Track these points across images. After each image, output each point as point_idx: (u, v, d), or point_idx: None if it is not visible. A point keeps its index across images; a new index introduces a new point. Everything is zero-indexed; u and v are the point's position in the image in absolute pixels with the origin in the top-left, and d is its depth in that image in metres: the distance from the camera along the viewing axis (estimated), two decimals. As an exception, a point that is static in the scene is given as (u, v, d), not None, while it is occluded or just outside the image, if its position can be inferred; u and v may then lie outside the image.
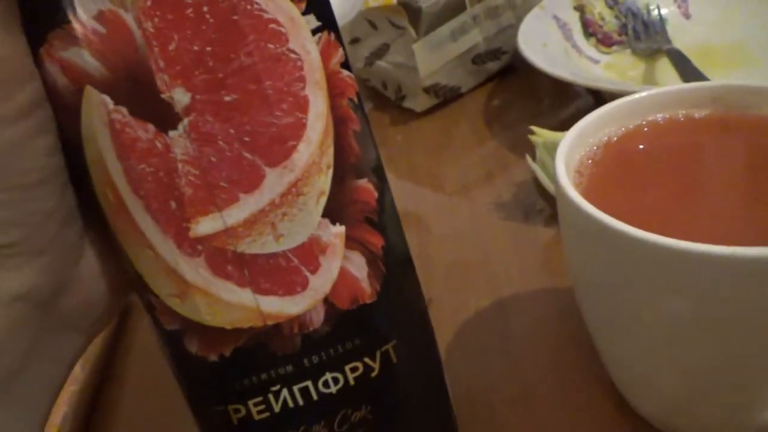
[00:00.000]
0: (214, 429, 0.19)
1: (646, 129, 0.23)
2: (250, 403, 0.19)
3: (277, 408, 0.19)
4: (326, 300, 0.18)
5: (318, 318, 0.18)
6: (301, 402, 0.19)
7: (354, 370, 0.19)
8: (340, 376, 0.19)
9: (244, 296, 0.18)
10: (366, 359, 0.19)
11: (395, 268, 0.19)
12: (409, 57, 0.44)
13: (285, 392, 0.19)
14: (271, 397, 0.19)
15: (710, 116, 0.23)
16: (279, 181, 0.17)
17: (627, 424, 0.23)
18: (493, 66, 0.48)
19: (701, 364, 0.18)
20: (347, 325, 0.19)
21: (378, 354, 0.19)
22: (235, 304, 0.18)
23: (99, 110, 0.16)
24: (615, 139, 0.23)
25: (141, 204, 0.17)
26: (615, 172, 0.21)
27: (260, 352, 0.18)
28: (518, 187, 0.38)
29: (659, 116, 0.23)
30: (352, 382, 0.19)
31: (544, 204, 0.35)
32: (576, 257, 0.20)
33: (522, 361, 0.27)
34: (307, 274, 0.18)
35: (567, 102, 0.45)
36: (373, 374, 0.19)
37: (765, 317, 0.16)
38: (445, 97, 0.47)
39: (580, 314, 0.23)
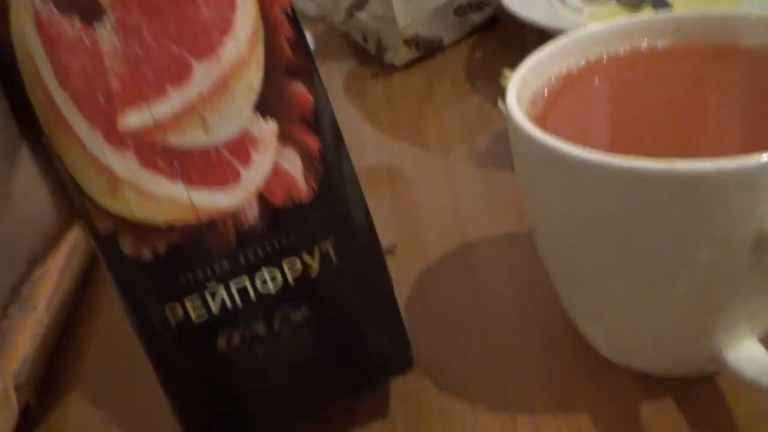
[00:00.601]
0: (153, 333, 0.19)
1: (606, 61, 0.22)
2: (187, 301, 0.19)
3: (215, 309, 0.19)
4: (260, 195, 0.18)
5: (252, 213, 0.18)
6: (239, 302, 0.19)
7: (292, 267, 0.19)
8: (277, 273, 0.19)
9: (176, 190, 0.18)
10: (304, 256, 0.19)
11: (334, 170, 0.19)
12: (388, 8, 0.43)
13: (222, 290, 0.19)
14: (207, 295, 0.19)
15: (673, 46, 0.22)
16: (207, 74, 0.17)
17: (587, 362, 0.23)
18: (475, 18, 0.47)
19: (649, 292, 0.18)
20: (283, 222, 0.19)
21: (316, 252, 0.19)
22: (166, 198, 0.18)
23: (26, 6, 0.16)
24: (575, 71, 0.22)
25: (68, 98, 0.17)
26: (570, 103, 0.21)
27: (195, 249, 0.18)
28: (496, 136, 0.37)
29: (621, 48, 0.22)
30: (290, 280, 0.19)
31: (518, 152, 0.35)
32: (528, 186, 0.20)
33: (485, 302, 0.26)
34: (239, 167, 0.18)
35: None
36: (313, 274, 0.19)
37: (706, 239, 0.16)
38: (426, 51, 0.46)
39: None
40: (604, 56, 0.22)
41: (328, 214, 0.19)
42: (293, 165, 0.19)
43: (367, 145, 0.40)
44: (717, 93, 0.20)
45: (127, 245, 0.18)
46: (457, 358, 0.24)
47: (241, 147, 0.18)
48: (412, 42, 0.45)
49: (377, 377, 0.22)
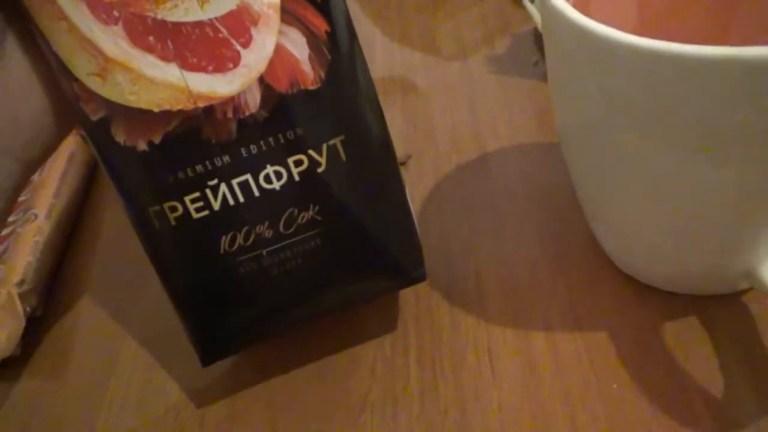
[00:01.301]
0: (153, 232, 0.18)
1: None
2: (187, 199, 0.17)
3: (216, 205, 0.18)
4: (262, 80, 0.17)
5: (254, 100, 0.17)
6: (241, 198, 0.18)
7: (298, 163, 0.18)
8: (282, 170, 0.18)
9: (170, 72, 0.16)
10: (311, 152, 0.18)
11: (344, 59, 0.17)
12: None
13: (224, 187, 0.17)
14: (208, 192, 0.17)
15: None
16: None
17: (607, 278, 0.22)
18: None
19: (682, 197, 0.17)
20: (287, 111, 0.17)
21: (324, 148, 0.18)
22: (160, 81, 0.16)
23: None
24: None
25: None
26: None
27: (193, 140, 0.17)
28: (515, 39, 0.34)
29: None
30: (296, 178, 0.18)
31: (540, 57, 0.32)
32: (559, 78, 0.18)
33: (502, 216, 0.25)
34: (239, 47, 0.16)
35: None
36: (320, 170, 0.18)
37: (759, 136, 0.14)
38: (443, -56, 0.42)
39: (565, 167, 0.21)
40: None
41: (336, 107, 0.18)
42: (298, 47, 0.17)
43: (377, 51, 0.37)
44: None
45: (120, 134, 0.17)
46: (470, 272, 0.23)
47: (240, 24, 0.16)
48: (427, -67, 0.41)
49: (387, 287, 0.21)
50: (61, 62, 0.16)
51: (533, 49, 0.33)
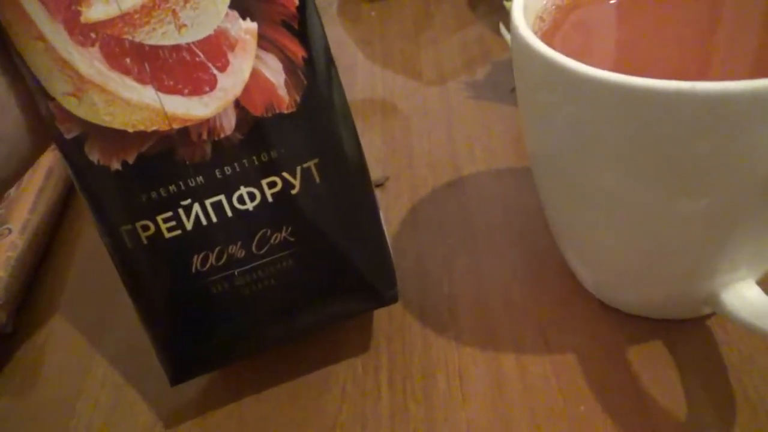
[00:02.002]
0: (124, 251, 0.18)
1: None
2: (159, 218, 0.18)
3: (188, 225, 0.18)
4: (237, 104, 0.17)
5: (229, 123, 0.17)
6: (214, 219, 0.18)
7: (272, 185, 0.18)
8: (256, 191, 0.18)
9: (146, 94, 0.16)
10: (285, 174, 0.18)
11: (320, 84, 0.18)
12: None
13: (197, 207, 0.18)
14: (181, 212, 0.18)
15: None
16: None
17: (577, 302, 0.22)
18: (480, -62, 0.44)
19: (649, 225, 0.17)
20: (262, 134, 0.17)
21: (299, 170, 0.18)
22: (136, 103, 0.16)
23: None
24: (586, -14, 0.20)
25: None
26: (578, 20, 0.19)
27: (167, 160, 0.17)
28: (494, 66, 0.35)
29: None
30: (270, 199, 0.18)
31: (518, 84, 0.33)
32: (528, 107, 0.18)
33: (476, 238, 0.25)
34: (215, 71, 0.17)
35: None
36: (294, 191, 0.18)
37: (718, 168, 0.15)
38: (426, -27, 0.43)
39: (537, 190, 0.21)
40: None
41: (311, 130, 0.18)
42: (274, 72, 0.17)
43: (360, 74, 0.38)
44: (732, 14, 0.18)
45: (94, 153, 0.17)
46: (444, 293, 0.24)
47: (217, 48, 0.17)
48: (411, -38, 0.42)
49: (360, 308, 0.21)
50: (37, 81, 0.16)
51: (511, 77, 0.34)
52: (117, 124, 0.17)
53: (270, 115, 0.17)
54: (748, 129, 0.14)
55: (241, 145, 0.17)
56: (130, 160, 0.17)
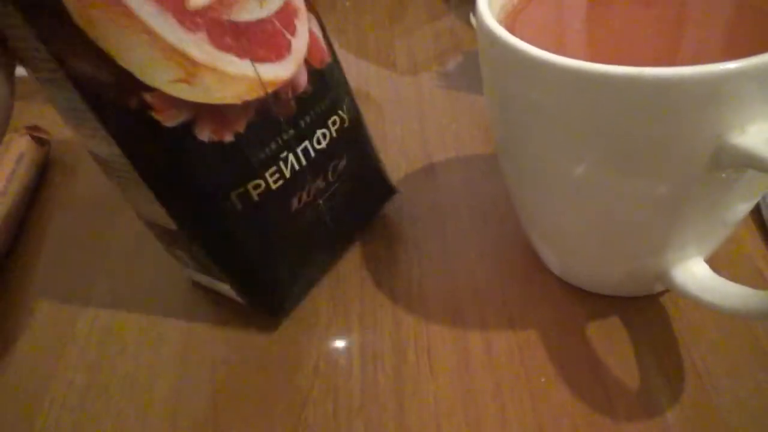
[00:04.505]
0: (232, 215, 0.20)
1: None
2: (267, 174, 0.20)
3: (287, 173, 0.21)
4: (306, 61, 0.21)
5: (303, 79, 0.20)
6: (303, 162, 0.21)
7: (334, 123, 0.22)
8: (327, 131, 0.22)
9: (245, 67, 0.18)
10: (340, 112, 0.22)
11: (328, 33, 0.22)
12: None
13: (291, 157, 0.21)
14: (281, 163, 0.20)
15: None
16: None
17: (540, 281, 0.23)
18: (453, -69, 0.44)
19: (604, 207, 0.18)
20: (324, 83, 0.21)
21: (345, 106, 0.23)
22: (239, 76, 0.18)
23: None
24: (550, -22, 0.21)
25: None
26: (539, 8, 0.20)
27: (268, 122, 0.20)
28: (465, 56, 0.36)
29: (600, -43, 0.21)
30: (335, 134, 0.22)
31: (488, 74, 0.34)
32: (493, 93, 0.19)
33: (447, 223, 0.26)
34: (289, 36, 0.20)
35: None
36: (345, 125, 0.23)
37: (665, 150, 0.16)
38: (400, -36, 0.44)
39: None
40: (581, -36, 0.21)
41: (341, 74, 0.23)
42: (318, 30, 0.21)
43: (334, 62, 0.38)
44: (691, 3, 0.20)
45: (204, 132, 0.18)
46: (413, 274, 0.24)
47: (288, 17, 0.20)
48: (385, -47, 0.42)
49: (382, 203, 0.26)
50: (129, 77, 0.17)
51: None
52: (228, 100, 0.18)
53: (324, 66, 0.21)
54: (692, 113, 0.15)
55: (313, 95, 0.21)
56: (241, 129, 0.19)
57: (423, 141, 0.31)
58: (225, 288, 0.23)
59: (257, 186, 0.20)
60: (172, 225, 0.21)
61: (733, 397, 0.19)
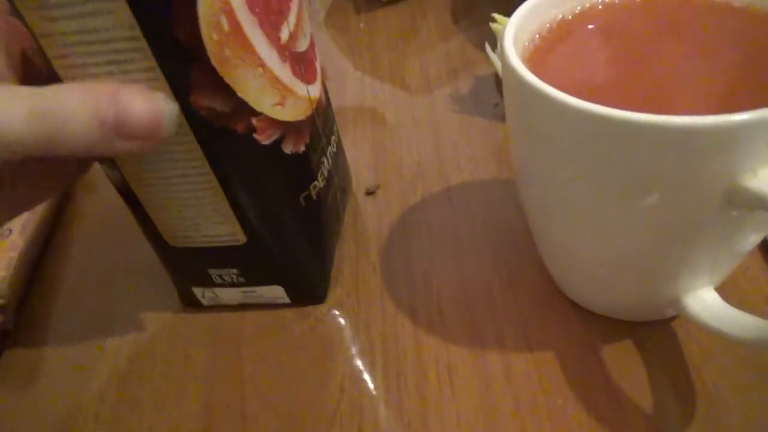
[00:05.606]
0: (301, 212, 0.23)
1: (601, 6, 0.22)
2: (318, 175, 0.24)
3: (326, 173, 0.25)
4: (323, 82, 0.25)
5: (324, 95, 0.25)
6: (332, 162, 0.26)
7: (336, 132, 0.27)
8: (335, 136, 0.27)
9: (303, 89, 0.22)
10: (336, 123, 0.28)
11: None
12: (377, -63, 0.42)
13: (325, 160, 0.25)
14: (323, 165, 0.25)
15: (667, -2, 0.22)
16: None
17: (556, 305, 0.24)
18: (465, -45, 0.46)
19: (621, 239, 0.19)
20: (327, 96, 0.26)
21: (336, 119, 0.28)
22: (303, 96, 0.22)
23: None
24: (570, 16, 0.22)
25: (256, 21, 0.19)
26: (563, 48, 0.21)
27: (316, 132, 0.24)
28: (477, 81, 0.37)
29: (617, -4, 0.22)
30: (336, 137, 0.27)
31: (500, 99, 0.35)
32: (515, 125, 0.20)
33: (463, 246, 0.27)
34: (316, 63, 0.24)
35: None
36: (335, 127, 0.28)
37: (681, 190, 0.17)
38: (413, -14, 0.45)
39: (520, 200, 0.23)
40: (600, 2, 0.22)
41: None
42: (318, 55, 0.25)
43: (348, 82, 0.39)
44: (706, 47, 0.21)
45: (288, 145, 0.22)
46: (433, 295, 0.25)
47: (313, 47, 0.24)
48: (398, -24, 0.43)
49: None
50: (243, 105, 0.19)
51: (494, 92, 0.36)
52: (301, 116, 0.22)
53: (323, 85, 0.25)
54: (708, 158, 0.16)
55: (328, 107, 0.26)
56: (308, 140, 0.23)
57: (439, 164, 0.32)
58: (267, 295, 0.25)
59: (315, 186, 0.24)
60: (239, 239, 0.23)
61: (742, 415, 0.20)
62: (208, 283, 0.25)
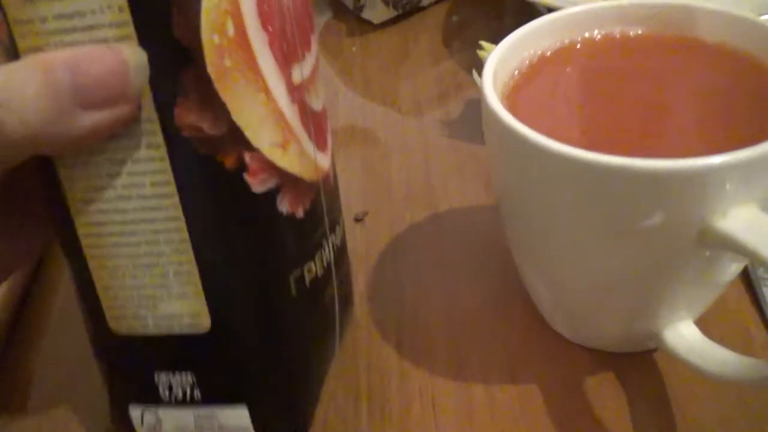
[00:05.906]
0: (286, 299, 0.18)
1: (579, 45, 0.22)
2: (316, 257, 0.19)
3: (325, 262, 0.20)
4: (332, 155, 0.21)
5: (331, 169, 0.21)
6: (333, 254, 0.21)
7: (341, 224, 0.22)
8: (339, 228, 0.22)
9: (310, 149, 0.19)
10: (342, 224, 0.23)
11: None
12: (368, -37, 0.42)
13: (327, 248, 0.20)
14: (323, 250, 0.20)
15: (644, 35, 0.22)
16: (312, 53, 0.19)
17: (541, 336, 0.24)
18: (456, -21, 0.46)
19: (599, 276, 0.20)
20: (336, 183, 0.22)
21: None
22: (309, 156, 0.18)
23: None
24: (548, 53, 0.22)
25: (266, 39, 0.16)
26: (540, 86, 0.21)
27: (319, 206, 0.19)
28: (467, 105, 0.37)
29: (597, 32, 0.23)
30: (343, 240, 0.23)
31: (489, 123, 0.35)
32: (494, 161, 0.21)
33: (450, 274, 0.28)
34: (328, 135, 0.20)
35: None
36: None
37: (656, 230, 0.17)
38: (405, 10, 0.46)
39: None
40: (579, 40, 0.23)
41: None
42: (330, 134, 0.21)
43: (340, 104, 0.39)
44: (680, 87, 0.21)
45: (285, 203, 0.18)
46: (420, 324, 0.26)
47: (325, 116, 0.20)
48: (390, 0, 0.44)
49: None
50: (236, 129, 0.16)
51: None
52: (304, 175, 0.18)
53: (335, 169, 0.22)
54: (679, 200, 0.16)
55: (335, 190, 0.21)
56: (308, 206, 0.18)
57: (428, 190, 0.32)
58: (227, 424, 0.19)
59: (310, 269, 0.19)
60: (203, 324, 0.18)
61: (722, 451, 0.20)
62: (152, 398, 0.19)
